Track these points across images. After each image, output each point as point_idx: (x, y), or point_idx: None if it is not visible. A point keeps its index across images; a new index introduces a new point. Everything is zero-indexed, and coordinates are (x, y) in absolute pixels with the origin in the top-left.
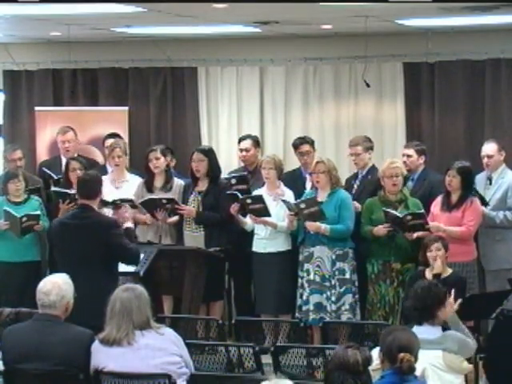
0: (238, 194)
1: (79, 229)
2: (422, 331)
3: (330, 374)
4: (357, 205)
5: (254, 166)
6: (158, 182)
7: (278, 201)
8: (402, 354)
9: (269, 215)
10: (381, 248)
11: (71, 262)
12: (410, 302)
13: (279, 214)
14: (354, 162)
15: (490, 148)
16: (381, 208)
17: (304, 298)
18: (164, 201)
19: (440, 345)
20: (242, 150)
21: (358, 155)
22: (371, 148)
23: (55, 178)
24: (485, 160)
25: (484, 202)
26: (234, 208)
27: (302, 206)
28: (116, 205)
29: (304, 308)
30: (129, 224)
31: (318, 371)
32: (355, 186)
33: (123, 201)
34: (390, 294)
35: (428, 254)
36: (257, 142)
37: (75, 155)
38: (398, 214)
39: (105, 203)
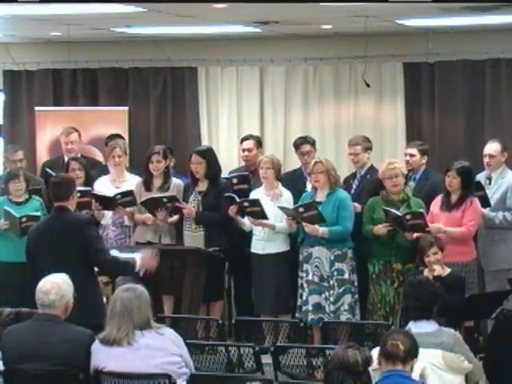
0: (235, 197)
1: (56, 231)
2: (419, 325)
3: (330, 374)
4: (356, 205)
5: (255, 166)
6: (157, 181)
7: (275, 201)
8: (390, 341)
9: (266, 218)
10: (382, 248)
11: (52, 264)
12: (406, 302)
13: (277, 215)
14: (353, 161)
15: (493, 148)
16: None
17: (304, 298)
18: (165, 199)
19: (437, 338)
20: (244, 150)
21: (357, 155)
22: (370, 148)
23: None
24: (486, 159)
25: (487, 203)
26: (232, 210)
27: (301, 210)
28: (117, 203)
29: (304, 308)
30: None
31: (318, 371)
32: (354, 186)
33: (123, 194)
34: (390, 295)
35: (426, 260)
36: (259, 143)
37: (78, 155)
38: (398, 213)
39: (105, 198)
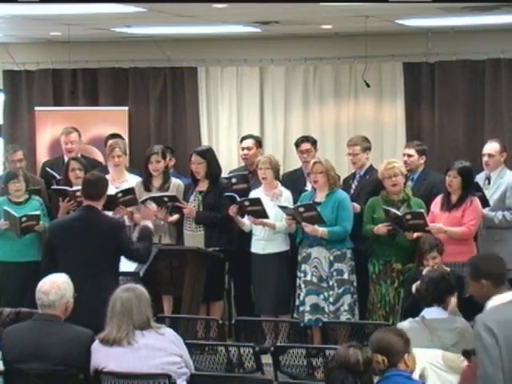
0: (236, 196)
1: (86, 230)
2: (432, 311)
3: (331, 373)
4: (356, 206)
5: (254, 166)
6: (156, 182)
7: (275, 201)
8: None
9: (266, 217)
10: (382, 248)
11: (75, 263)
12: (423, 286)
13: (277, 215)
14: (352, 161)
15: (492, 147)
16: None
17: (301, 298)
18: (165, 198)
19: (451, 324)
20: (243, 149)
21: (356, 155)
22: (369, 148)
23: (58, 178)
24: (485, 158)
25: (486, 203)
26: (232, 209)
27: (301, 209)
28: (118, 202)
29: (301, 309)
30: (148, 223)
31: (318, 371)
32: (353, 186)
33: (124, 192)
34: (390, 294)
35: (424, 263)
36: (259, 143)
37: (78, 155)
38: (398, 213)
39: (107, 197)
